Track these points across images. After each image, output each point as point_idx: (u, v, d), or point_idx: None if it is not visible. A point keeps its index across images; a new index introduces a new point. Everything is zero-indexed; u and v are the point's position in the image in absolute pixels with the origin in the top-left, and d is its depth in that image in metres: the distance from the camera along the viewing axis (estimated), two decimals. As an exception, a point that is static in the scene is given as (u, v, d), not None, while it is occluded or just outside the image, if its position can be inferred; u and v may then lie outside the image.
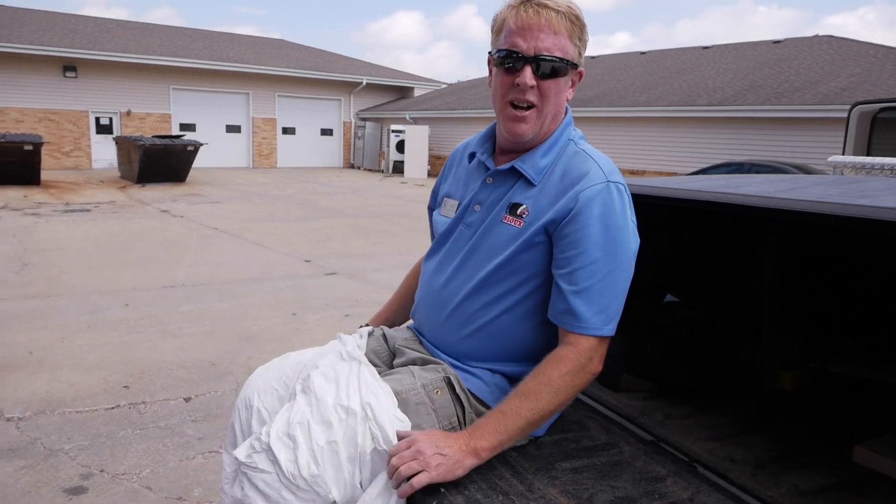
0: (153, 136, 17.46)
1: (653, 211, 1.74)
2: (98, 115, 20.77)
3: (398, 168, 22.12)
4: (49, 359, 4.35)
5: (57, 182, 16.19)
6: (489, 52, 1.38)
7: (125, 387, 3.94)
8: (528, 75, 1.28)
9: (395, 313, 1.79)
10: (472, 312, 1.40)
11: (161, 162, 15.99)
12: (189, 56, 21.47)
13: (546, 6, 1.28)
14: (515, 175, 1.38)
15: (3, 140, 14.48)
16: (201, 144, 16.81)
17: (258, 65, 22.90)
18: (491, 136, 1.48)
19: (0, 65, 18.62)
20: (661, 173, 15.99)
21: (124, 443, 3.22)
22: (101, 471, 2.94)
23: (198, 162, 17.34)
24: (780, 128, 13.86)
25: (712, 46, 22.21)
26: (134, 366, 4.28)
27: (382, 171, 23.22)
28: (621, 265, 1.28)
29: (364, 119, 25.38)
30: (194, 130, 21.94)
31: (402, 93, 27.19)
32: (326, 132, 25.51)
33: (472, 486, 1.21)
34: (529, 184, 1.35)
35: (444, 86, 28.23)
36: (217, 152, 21.75)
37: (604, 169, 1.31)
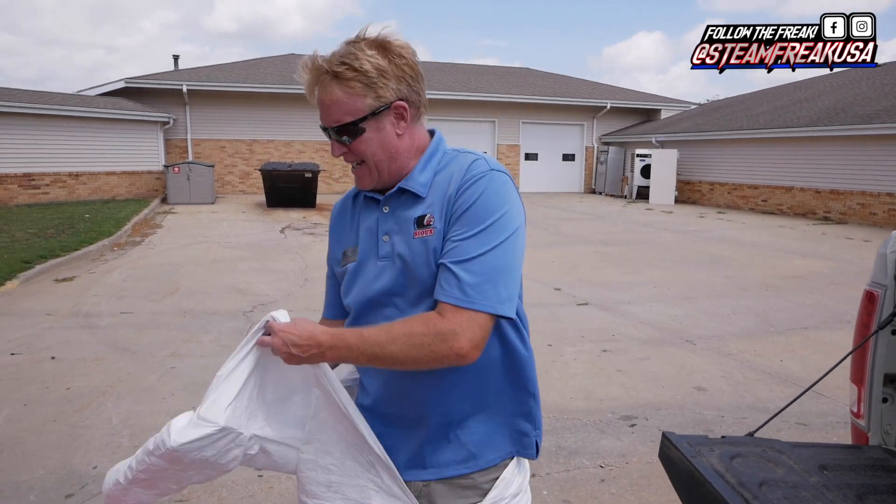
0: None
1: None
2: (363, 145, 23.04)
3: (642, 194, 21.24)
4: (330, 371, 4.69)
5: (329, 205, 18.16)
6: None
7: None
8: (335, 147, 1.35)
9: None
10: None
11: (415, 187, 17.16)
12: (442, 89, 22.88)
13: (318, 74, 1.29)
14: (407, 194, 1.34)
15: (289, 168, 16.65)
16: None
17: (504, 93, 23.69)
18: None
19: (287, 104, 21.57)
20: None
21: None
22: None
23: (447, 187, 18.30)
24: None
25: None
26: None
27: (625, 197, 22.48)
28: (504, 246, 1.23)
29: (607, 143, 24.87)
30: (444, 158, 23.28)
31: (648, 115, 26.20)
32: (568, 157, 25.46)
33: None
34: (420, 198, 1.33)
35: (693, 107, 26.66)
36: (464, 178, 22.80)
37: (487, 161, 1.33)
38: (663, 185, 20.56)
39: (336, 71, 1.27)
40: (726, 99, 26.37)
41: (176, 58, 23.96)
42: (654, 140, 22.24)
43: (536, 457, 1.45)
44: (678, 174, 20.97)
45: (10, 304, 6.74)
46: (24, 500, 3.00)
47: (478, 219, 1.23)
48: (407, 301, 1.31)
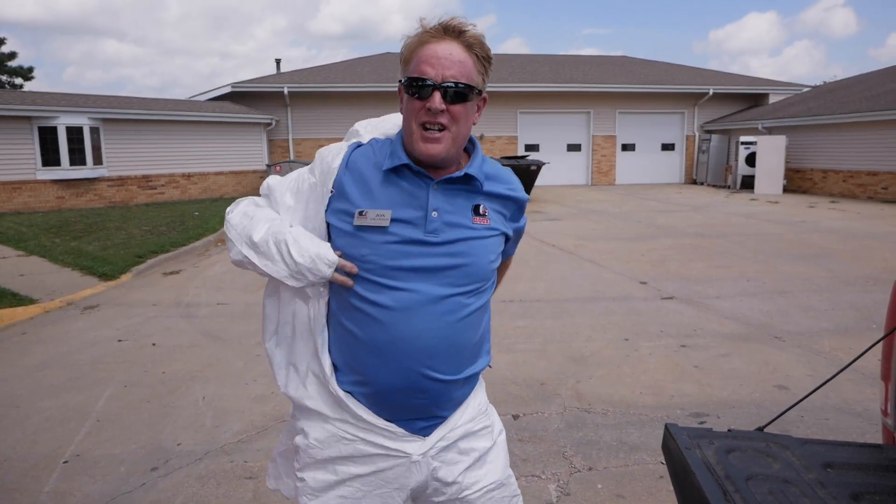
0: (501, 157, 18.75)
1: None
2: (456, 140, 23.22)
3: (747, 183, 20.16)
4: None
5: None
6: (399, 81, 1.42)
7: (461, 396, 4.15)
8: (437, 100, 1.33)
9: None
10: (471, 318, 1.47)
11: (506, 181, 17.14)
12: (535, 81, 22.68)
13: (453, 35, 1.35)
14: (468, 179, 1.44)
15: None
16: (543, 164, 17.53)
17: (599, 83, 23.14)
18: (394, 151, 1.44)
19: (383, 102, 22.07)
20: None
21: (457, 452, 3.35)
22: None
23: (539, 180, 18.13)
24: None
25: None
26: (470, 376, 4.50)
27: (728, 187, 21.42)
28: None
29: (709, 131, 23.76)
30: (538, 150, 23.08)
31: (755, 100, 24.78)
32: (667, 147, 24.53)
33: None
34: (478, 188, 1.45)
35: (805, 89, 24.96)
36: (557, 170, 22.53)
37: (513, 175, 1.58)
38: (770, 173, 19.43)
39: (472, 42, 1.37)
40: (843, 80, 24.53)
41: (278, 61, 25.12)
42: (760, 126, 21.04)
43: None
44: (787, 162, 19.75)
45: (122, 295, 7.37)
46: (116, 470, 3.31)
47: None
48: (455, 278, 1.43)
